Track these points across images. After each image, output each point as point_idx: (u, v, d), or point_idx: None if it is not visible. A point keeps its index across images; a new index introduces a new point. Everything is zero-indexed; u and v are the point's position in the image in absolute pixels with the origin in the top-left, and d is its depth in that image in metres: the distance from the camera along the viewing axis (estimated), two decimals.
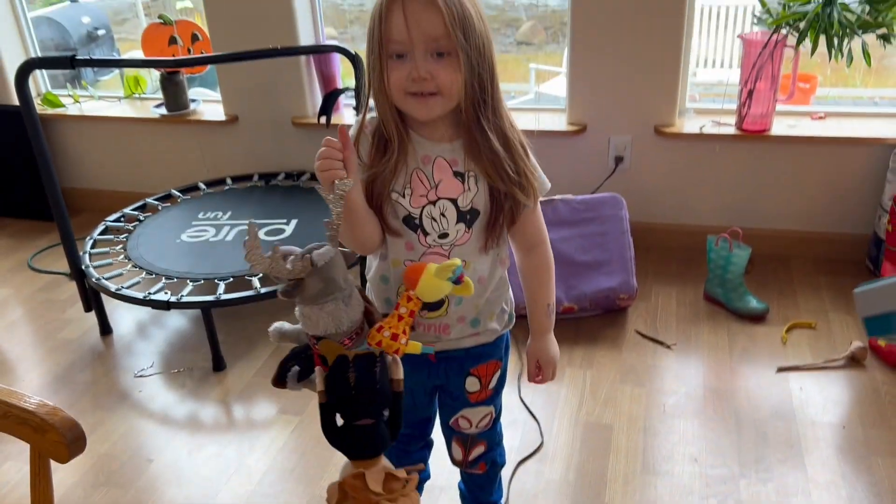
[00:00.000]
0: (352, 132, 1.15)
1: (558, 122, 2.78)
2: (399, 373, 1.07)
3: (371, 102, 1.13)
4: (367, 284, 1.29)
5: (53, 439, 1.01)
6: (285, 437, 2.03)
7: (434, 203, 1.14)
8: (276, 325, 1.15)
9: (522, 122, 2.78)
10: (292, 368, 1.09)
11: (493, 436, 1.47)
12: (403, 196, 1.14)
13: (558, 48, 5.06)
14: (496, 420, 1.45)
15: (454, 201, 1.14)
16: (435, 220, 1.15)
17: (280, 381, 1.11)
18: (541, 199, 1.23)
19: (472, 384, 1.35)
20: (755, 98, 2.54)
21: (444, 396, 1.41)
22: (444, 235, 1.16)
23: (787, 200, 2.71)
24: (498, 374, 1.38)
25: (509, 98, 3.67)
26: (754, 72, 2.48)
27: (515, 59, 6.19)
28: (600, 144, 2.77)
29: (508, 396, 2.08)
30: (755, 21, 2.49)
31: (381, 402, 1.05)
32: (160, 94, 3.18)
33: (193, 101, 3.18)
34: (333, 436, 1.06)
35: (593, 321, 2.44)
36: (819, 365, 2.17)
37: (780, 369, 2.16)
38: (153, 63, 2.71)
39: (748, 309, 2.40)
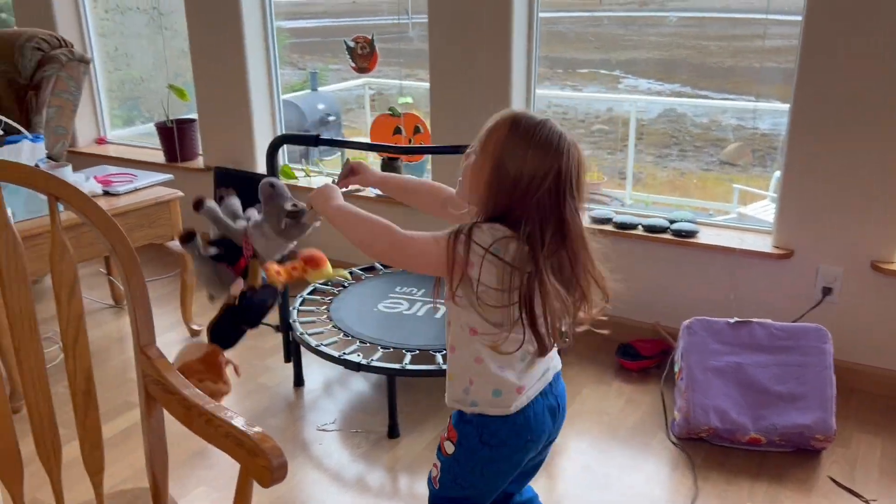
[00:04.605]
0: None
1: (763, 244, 2.69)
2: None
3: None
4: None
5: (261, 464, 1.12)
6: None
7: None
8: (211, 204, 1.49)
9: (724, 238, 2.71)
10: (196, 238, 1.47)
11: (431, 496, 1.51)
12: None
13: (765, 172, 4.93)
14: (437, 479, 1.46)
15: None
16: None
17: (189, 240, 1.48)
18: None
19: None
20: None
21: None
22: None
23: None
24: (447, 444, 1.42)
25: (708, 216, 3.61)
26: None
27: (717, 177, 6.06)
28: (807, 272, 2.63)
29: None
30: None
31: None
32: None
33: None
34: (219, 330, 1.45)
35: (781, 458, 2.26)
36: None
37: None
38: (382, 148, 3.02)
39: None
